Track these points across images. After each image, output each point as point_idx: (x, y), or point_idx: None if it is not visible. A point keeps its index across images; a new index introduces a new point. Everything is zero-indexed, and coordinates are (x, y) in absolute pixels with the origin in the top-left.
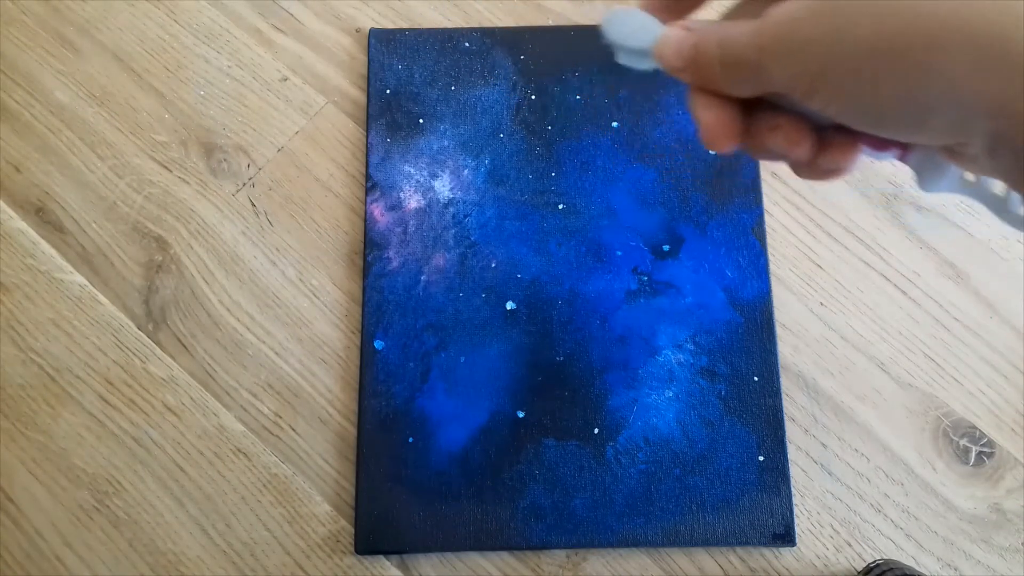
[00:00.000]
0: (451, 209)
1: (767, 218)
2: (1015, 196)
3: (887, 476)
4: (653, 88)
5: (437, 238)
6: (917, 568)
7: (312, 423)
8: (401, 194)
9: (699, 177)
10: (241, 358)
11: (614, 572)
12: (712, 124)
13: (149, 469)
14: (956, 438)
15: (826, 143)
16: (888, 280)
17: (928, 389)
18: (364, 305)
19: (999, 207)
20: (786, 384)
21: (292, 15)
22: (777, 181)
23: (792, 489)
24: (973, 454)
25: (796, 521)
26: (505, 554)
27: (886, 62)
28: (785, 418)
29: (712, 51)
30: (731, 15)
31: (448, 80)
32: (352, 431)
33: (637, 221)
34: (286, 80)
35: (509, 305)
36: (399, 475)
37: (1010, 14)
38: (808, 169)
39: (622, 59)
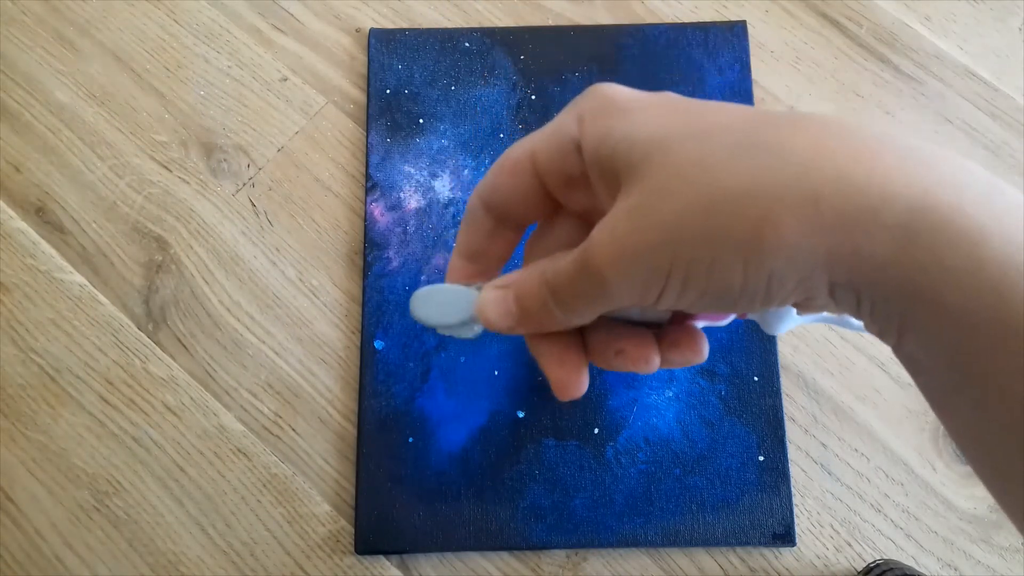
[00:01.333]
0: (451, 209)
1: None
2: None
3: (887, 476)
4: (653, 88)
5: (437, 238)
6: (917, 568)
7: (312, 423)
8: (401, 194)
9: None
10: (241, 358)
11: (614, 572)
12: (566, 376)
13: (149, 469)
14: None
15: (670, 338)
16: None
17: None
18: (364, 305)
19: (838, 323)
20: (786, 384)
21: (292, 15)
22: None
23: (792, 489)
24: None
25: (796, 521)
26: (505, 554)
27: (729, 247)
28: (785, 418)
29: (538, 296)
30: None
31: (448, 80)
32: (352, 431)
33: None
34: (286, 80)
35: None
36: (399, 475)
37: (816, 174)
38: (656, 366)
39: (443, 333)
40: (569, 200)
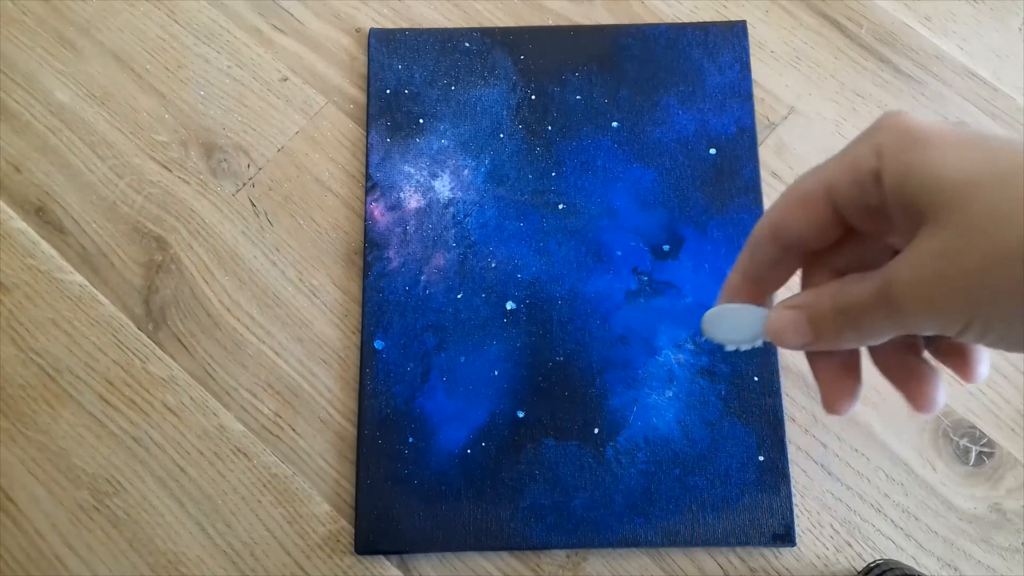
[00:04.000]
0: (451, 209)
1: None
2: None
3: (887, 476)
4: (653, 88)
5: (437, 238)
6: (917, 568)
7: (312, 423)
8: (401, 194)
9: (699, 177)
10: (241, 358)
11: (614, 572)
12: (839, 393)
13: (149, 469)
14: (956, 438)
15: (947, 350)
16: None
17: None
18: (364, 305)
19: None
20: (786, 384)
21: (292, 15)
22: (777, 181)
23: (792, 489)
24: (973, 454)
25: (796, 521)
26: (505, 554)
27: None
28: (785, 418)
29: (831, 319)
30: (807, 282)
31: (448, 80)
32: (352, 431)
33: (637, 221)
34: (286, 80)
35: (509, 305)
36: (399, 475)
37: None
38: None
39: (729, 348)
40: (862, 224)
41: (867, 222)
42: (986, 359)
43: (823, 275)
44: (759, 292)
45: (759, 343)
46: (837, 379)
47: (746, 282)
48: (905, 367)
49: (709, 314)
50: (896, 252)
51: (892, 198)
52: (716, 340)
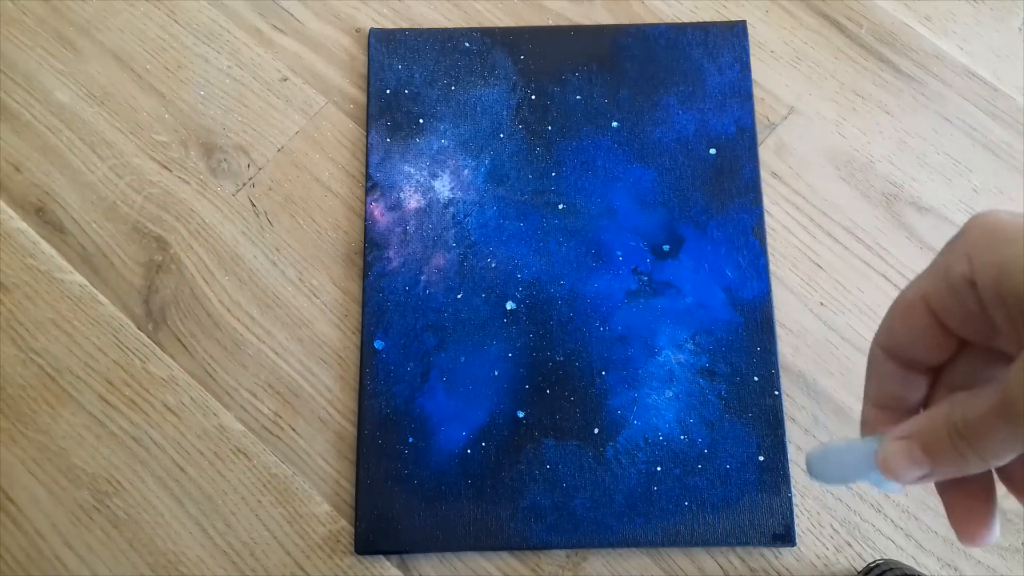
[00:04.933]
0: (451, 209)
1: (767, 218)
2: None
3: None
4: (653, 88)
5: (437, 238)
6: (917, 568)
7: (312, 423)
8: (401, 194)
9: (699, 177)
10: (241, 358)
11: (614, 572)
12: (974, 525)
13: (149, 469)
14: None
15: None
16: (888, 280)
17: None
18: (364, 305)
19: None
20: (786, 384)
21: (292, 15)
22: (777, 181)
23: (792, 489)
24: None
25: (796, 521)
26: (505, 554)
27: None
28: (785, 418)
29: (948, 443)
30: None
31: (448, 80)
32: (352, 431)
33: (637, 221)
34: (286, 80)
35: (509, 305)
36: (399, 475)
37: None
38: None
39: (839, 486)
40: (967, 332)
41: (972, 330)
42: None
43: (942, 397)
44: (895, 420)
45: (876, 482)
46: (971, 509)
47: (878, 411)
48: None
49: (814, 455)
50: (1011, 361)
51: (990, 301)
52: (825, 482)
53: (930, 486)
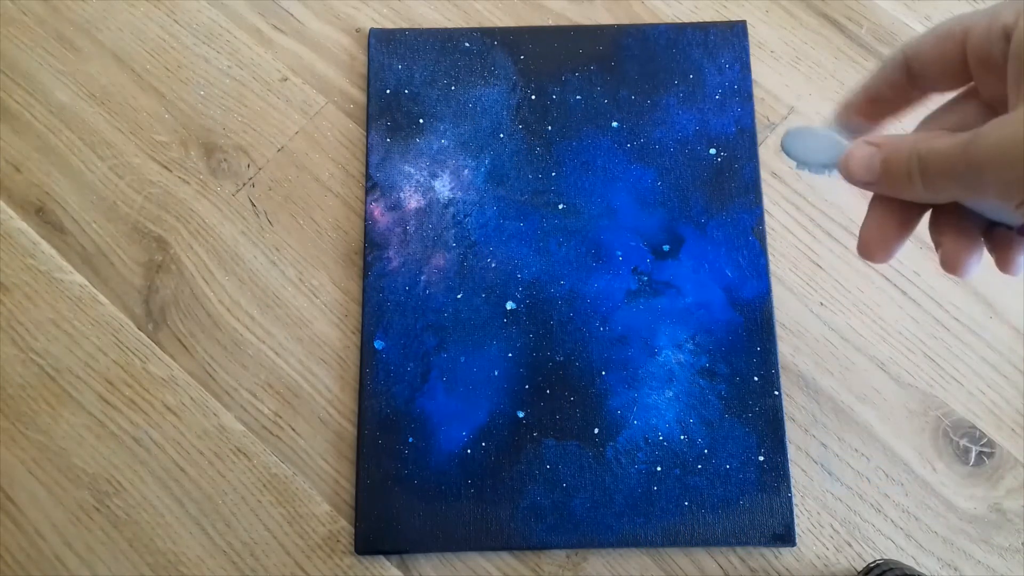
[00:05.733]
0: (451, 209)
1: (767, 218)
2: None
3: (887, 476)
4: (653, 88)
5: (437, 238)
6: (917, 568)
7: (312, 423)
8: (401, 194)
9: (699, 177)
10: (241, 358)
11: (614, 572)
12: (877, 239)
13: (149, 469)
14: (956, 438)
15: (1002, 242)
16: (888, 280)
17: (928, 389)
18: (364, 305)
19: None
20: (786, 384)
21: (292, 15)
22: (777, 181)
23: (792, 489)
24: (973, 454)
25: (796, 521)
26: (505, 554)
27: None
28: (785, 418)
29: (905, 164)
30: (921, 128)
31: (448, 80)
32: (352, 431)
33: (637, 221)
34: (286, 80)
35: (509, 305)
36: (399, 475)
37: None
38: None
39: (799, 170)
40: (982, 82)
41: (987, 77)
42: None
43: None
44: (873, 111)
45: (829, 173)
46: (884, 226)
47: (865, 99)
48: (951, 224)
49: (793, 129)
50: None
51: (1013, 57)
52: (791, 155)
53: None
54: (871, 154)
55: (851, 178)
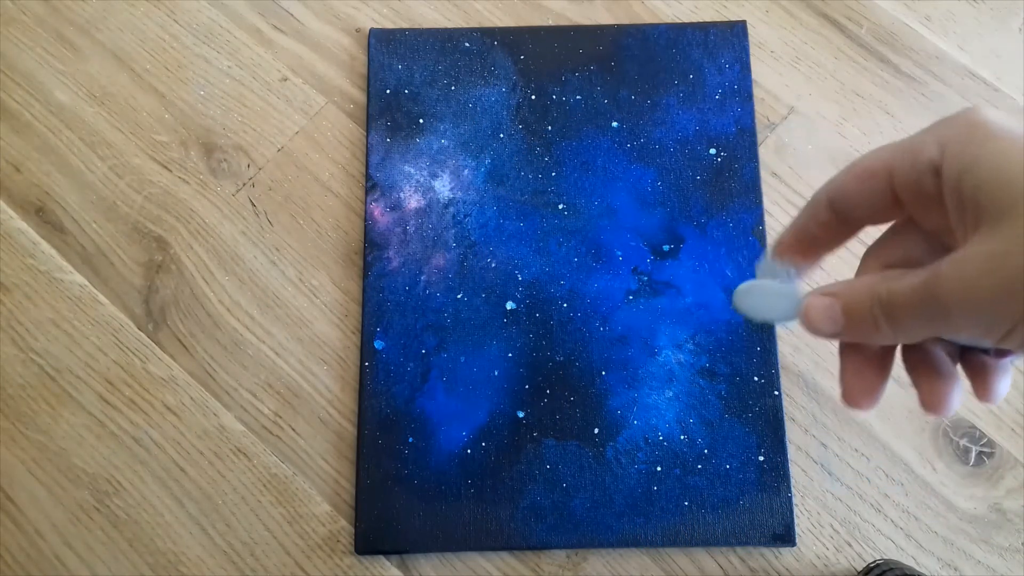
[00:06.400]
0: (451, 209)
1: (767, 218)
2: None
3: (887, 476)
4: (653, 88)
5: (437, 238)
6: (917, 568)
7: (312, 423)
8: (401, 194)
9: (699, 177)
10: (241, 358)
11: (614, 572)
12: (859, 388)
13: (149, 469)
14: (956, 438)
15: (978, 366)
16: None
17: None
18: (364, 305)
19: None
20: (786, 384)
21: (292, 15)
22: (777, 181)
23: (792, 489)
24: (973, 454)
25: (796, 521)
26: (505, 554)
27: None
28: (785, 418)
29: (868, 311)
30: (860, 272)
31: (448, 80)
32: (352, 431)
33: (637, 221)
34: (286, 80)
35: (509, 305)
36: (399, 475)
37: None
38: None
39: (755, 324)
40: (920, 216)
41: (924, 212)
42: (1007, 379)
43: (875, 271)
44: (807, 252)
45: (791, 325)
46: (863, 374)
47: (797, 240)
48: (926, 362)
49: (743, 287)
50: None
51: (949, 192)
52: (747, 315)
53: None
54: (830, 304)
55: (816, 332)
